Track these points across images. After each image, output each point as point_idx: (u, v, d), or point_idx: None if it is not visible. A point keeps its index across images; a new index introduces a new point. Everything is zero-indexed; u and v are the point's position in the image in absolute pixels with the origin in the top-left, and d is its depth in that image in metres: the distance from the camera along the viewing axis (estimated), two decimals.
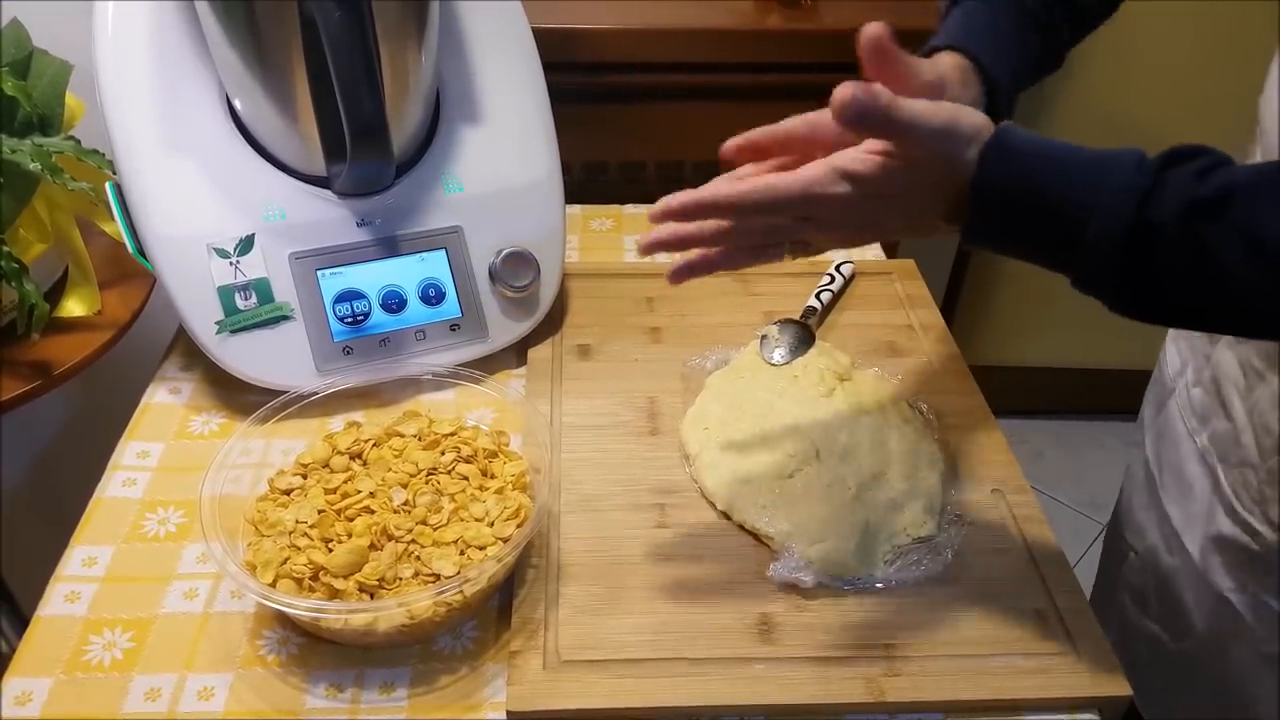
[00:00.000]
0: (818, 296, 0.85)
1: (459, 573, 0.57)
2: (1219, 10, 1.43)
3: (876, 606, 0.61)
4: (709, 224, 0.53)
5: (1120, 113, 1.53)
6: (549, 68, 0.84)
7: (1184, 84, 1.51)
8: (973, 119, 0.49)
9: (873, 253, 0.97)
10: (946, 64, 0.58)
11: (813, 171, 0.50)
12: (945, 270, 1.74)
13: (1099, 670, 0.58)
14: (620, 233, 0.99)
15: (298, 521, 0.59)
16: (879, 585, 0.63)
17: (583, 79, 1.11)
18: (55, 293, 0.92)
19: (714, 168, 0.56)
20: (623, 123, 1.20)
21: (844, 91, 0.47)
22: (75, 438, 1.31)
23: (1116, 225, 0.45)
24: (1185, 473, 0.72)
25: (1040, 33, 0.62)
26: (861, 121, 0.47)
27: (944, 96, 0.53)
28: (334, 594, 0.56)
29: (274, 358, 0.74)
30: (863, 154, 0.50)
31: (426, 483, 0.63)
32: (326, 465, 0.65)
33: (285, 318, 0.74)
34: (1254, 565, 0.66)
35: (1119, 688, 0.57)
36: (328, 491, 0.62)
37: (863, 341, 0.83)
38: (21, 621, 1.13)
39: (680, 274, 0.55)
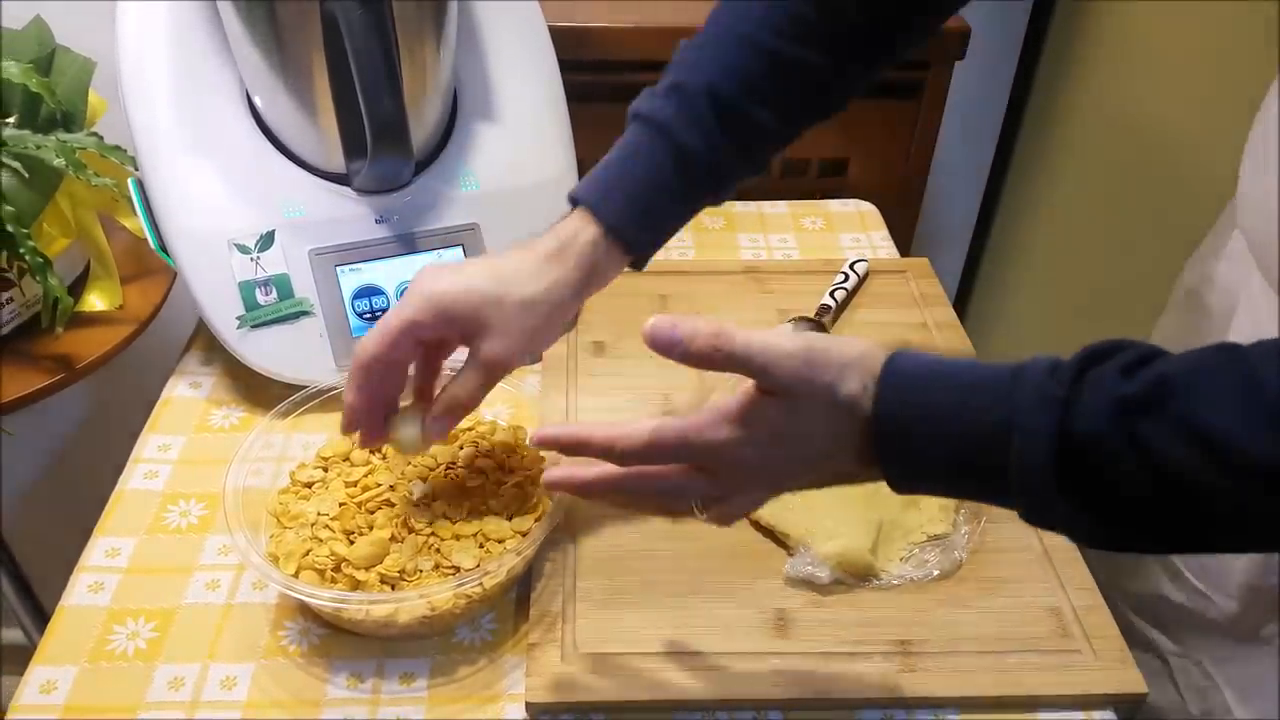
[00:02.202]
0: (832, 294, 0.86)
1: (478, 565, 0.57)
2: (1221, 10, 1.43)
3: (892, 603, 0.62)
4: (606, 474, 0.49)
5: (1126, 112, 1.52)
6: (565, 66, 0.84)
7: (1187, 80, 1.50)
8: (840, 348, 0.46)
9: (886, 250, 0.97)
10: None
11: (697, 416, 0.47)
12: (959, 268, 1.74)
13: (1115, 667, 0.58)
14: None
15: (319, 514, 0.60)
16: (894, 582, 0.63)
17: (598, 77, 1.11)
18: (77, 287, 0.93)
19: None
20: None
21: (649, 328, 0.44)
22: (96, 431, 1.32)
23: (1039, 438, 0.40)
24: None
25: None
26: (685, 359, 0.45)
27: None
28: (355, 585, 0.57)
29: (294, 352, 0.75)
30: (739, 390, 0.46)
31: (446, 476, 0.63)
32: (347, 459, 0.65)
33: (305, 313, 0.75)
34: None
35: (1135, 685, 0.57)
36: (348, 484, 0.63)
37: (877, 339, 0.83)
38: (40, 613, 1.14)
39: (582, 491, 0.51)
